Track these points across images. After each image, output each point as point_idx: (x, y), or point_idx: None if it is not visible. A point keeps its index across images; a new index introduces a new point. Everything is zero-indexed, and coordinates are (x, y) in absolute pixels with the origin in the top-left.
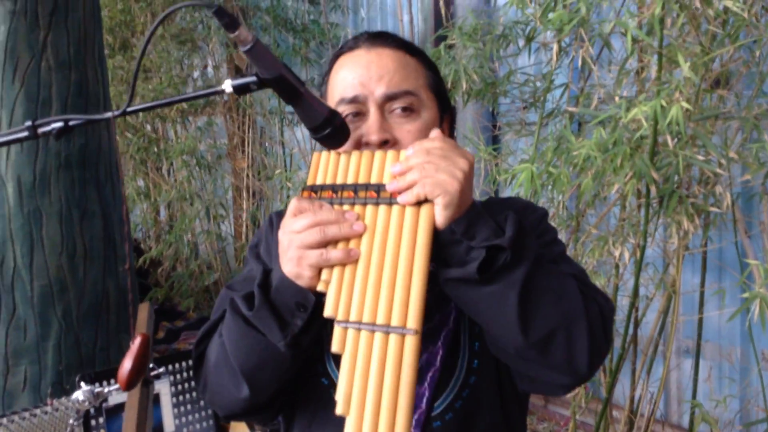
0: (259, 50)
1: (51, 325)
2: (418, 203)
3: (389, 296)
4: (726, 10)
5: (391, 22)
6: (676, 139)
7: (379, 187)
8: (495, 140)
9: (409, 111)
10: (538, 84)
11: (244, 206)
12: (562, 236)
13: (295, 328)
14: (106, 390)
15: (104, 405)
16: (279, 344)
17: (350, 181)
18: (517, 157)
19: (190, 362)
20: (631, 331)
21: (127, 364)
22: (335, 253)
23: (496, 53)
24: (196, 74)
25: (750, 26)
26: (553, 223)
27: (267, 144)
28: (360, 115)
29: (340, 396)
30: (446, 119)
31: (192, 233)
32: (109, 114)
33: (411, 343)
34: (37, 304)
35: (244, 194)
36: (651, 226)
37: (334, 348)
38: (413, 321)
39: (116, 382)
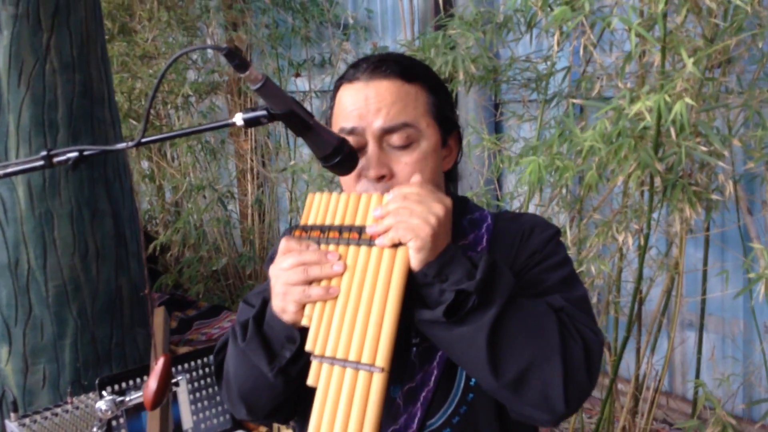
0: (270, 88)
1: (67, 324)
2: (395, 246)
3: (362, 334)
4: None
5: (391, 2)
6: (679, 130)
7: (361, 229)
8: (497, 127)
9: (407, 143)
10: (540, 68)
11: (249, 189)
12: (564, 218)
13: (282, 360)
14: (127, 399)
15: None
16: (268, 374)
17: (338, 222)
18: (520, 144)
19: (206, 359)
20: (635, 310)
21: (152, 385)
22: (316, 290)
23: (496, 41)
24: (195, 57)
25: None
26: (555, 207)
27: (270, 126)
28: (360, 146)
29: (311, 427)
30: (451, 139)
31: (200, 220)
32: (123, 145)
33: (378, 380)
34: (52, 304)
35: (249, 177)
36: (654, 211)
37: (310, 381)
38: (382, 359)
39: (136, 386)
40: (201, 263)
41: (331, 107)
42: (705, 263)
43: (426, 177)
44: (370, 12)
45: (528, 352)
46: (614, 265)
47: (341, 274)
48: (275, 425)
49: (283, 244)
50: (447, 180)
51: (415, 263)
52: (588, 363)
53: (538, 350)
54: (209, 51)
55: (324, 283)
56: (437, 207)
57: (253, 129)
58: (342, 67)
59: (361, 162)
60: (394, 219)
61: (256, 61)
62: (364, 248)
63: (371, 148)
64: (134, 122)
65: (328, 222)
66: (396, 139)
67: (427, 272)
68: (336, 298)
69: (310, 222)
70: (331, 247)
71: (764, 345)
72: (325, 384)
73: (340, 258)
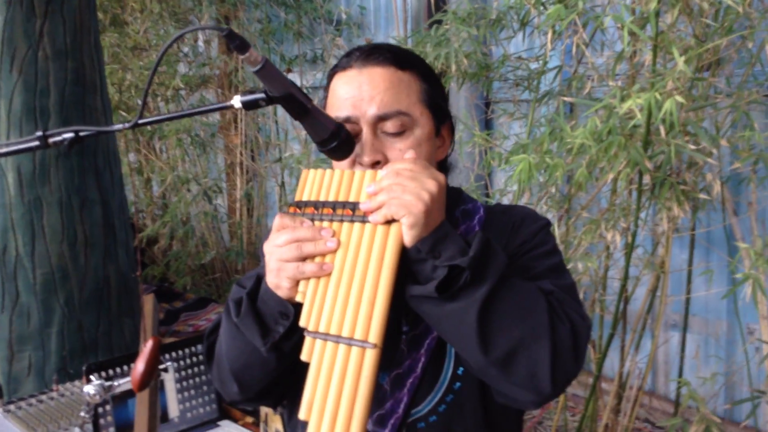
0: (269, 70)
1: (54, 312)
2: (388, 222)
3: (355, 310)
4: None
5: (384, 0)
6: (668, 128)
7: (354, 205)
8: (488, 124)
9: (401, 130)
10: (532, 66)
11: (238, 183)
12: (553, 217)
13: (276, 335)
14: (116, 384)
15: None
16: (261, 349)
17: (331, 198)
18: (510, 141)
19: (194, 348)
20: (620, 309)
21: (140, 367)
22: (310, 266)
23: (489, 37)
24: (186, 49)
25: (743, 16)
26: (544, 205)
27: (260, 120)
28: (355, 133)
29: (304, 401)
30: (444, 129)
31: (186, 214)
32: (119, 126)
33: (370, 356)
34: (39, 292)
35: (238, 170)
36: (641, 209)
37: (303, 356)
38: (374, 336)
39: (123, 374)
40: (188, 257)
41: (325, 97)
42: (690, 263)
43: None
44: (363, 9)
45: (517, 330)
46: (601, 263)
47: (335, 251)
48: (263, 412)
49: (277, 220)
50: (439, 170)
51: (408, 239)
52: (575, 346)
53: (528, 330)
54: (201, 44)
55: (318, 259)
56: (430, 183)
57: (243, 124)
58: (334, 63)
59: (356, 149)
60: (387, 195)
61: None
62: (357, 225)
63: (366, 135)
64: (124, 114)
65: (322, 198)
66: (390, 126)
67: (420, 248)
68: (330, 274)
69: (304, 198)
70: (325, 223)
71: (747, 346)
72: (318, 359)
73: (333, 234)
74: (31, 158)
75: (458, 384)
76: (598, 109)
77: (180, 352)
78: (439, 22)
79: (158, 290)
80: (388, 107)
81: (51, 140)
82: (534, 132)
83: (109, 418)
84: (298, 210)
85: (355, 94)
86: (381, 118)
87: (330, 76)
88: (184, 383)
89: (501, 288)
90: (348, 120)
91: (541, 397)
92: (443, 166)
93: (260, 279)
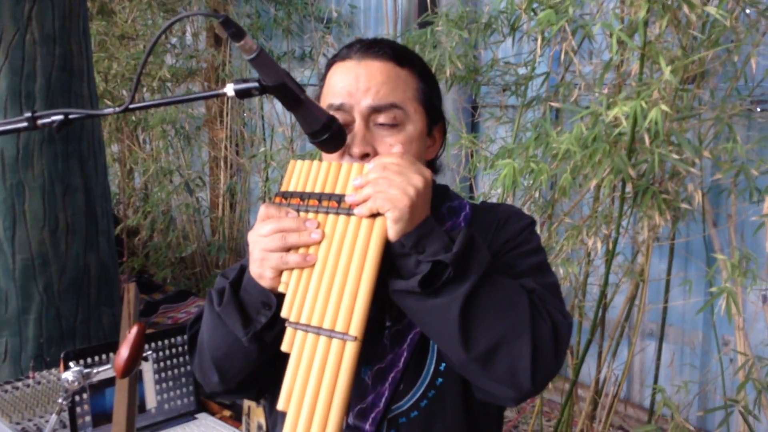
0: (263, 59)
1: (32, 298)
2: (373, 216)
3: (337, 302)
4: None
5: (375, 0)
6: (653, 137)
7: (340, 198)
8: (474, 127)
9: (393, 124)
10: (521, 71)
11: (222, 178)
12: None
13: (258, 325)
14: (95, 371)
15: (88, 381)
16: (243, 339)
17: (317, 190)
18: (496, 144)
19: (173, 340)
20: (599, 315)
21: (124, 353)
22: (293, 257)
23: (480, 41)
24: (174, 40)
25: (729, 30)
26: (527, 210)
27: (246, 115)
28: (347, 123)
29: (283, 392)
30: (437, 130)
31: (167, 205)
32: (110, 110)
33: (350, 349)
34: (18, 278)
35: (222, 165)
36: (623, 217)
37: (284, 347)
38: (355, 329)
39: (101, 362)
40: (169, 249)
41: (321, 86)
42: (669, 272)
43: None
44: (353, 8)
45: (499, 327)
46: (581, 270)
47: (319, 242)
48: (246, 405)
49: (263, 210)
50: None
51: (393, 234)
52: (556, 344)
53: (509, 326)
54: (188, 37)
55: (302, 250)
56: (416, 178)
57: (229, 118)
58: (322, 62)
59: (347, 139)
60: (372, 189)
61: (234, 49)
62: (342, 217)
63: (357, 126)
64: (109, 103)
65: (308, 189)
66: (383, 118)
67: (404, 243)
68: (313, 266)
69: (291, 189)
70: (310, 214)
71: (721, 356)
72: (298, 350)
73: (318, 226)
74: (15, 142)
75: (440, 380)
76: (584, 115)
77: (159, 343)
78: (429, 23)
79: (138, 281)
80: (383, 99)
81: (40, 122)
82: (520, 137)
83: (86, 407)
84: (283, 200)
85: (351, 83)
86: (375, 110)
87: (328, 66)
88: (163, 374)
89: (484, 285)
90: (341, 107)
91: (520, 394)
92: (432, 167)
93: (244, 269)
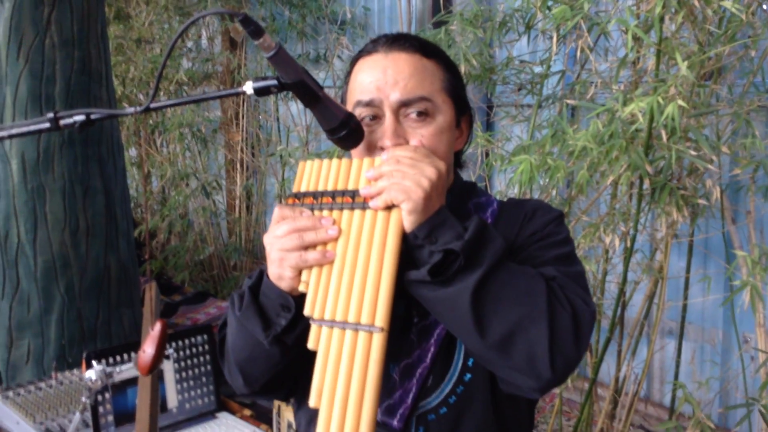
0: (282, 56)
1: (54, 300)
2: (389, 208)
3: (360, 296)
4: (724, 8)
5: (389, 1)
6: (670, 133)
7: (354, 193)
8: (489, 127)
9: (423, 116)
10: (536, 70)
11: (238, 180)
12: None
13: (278, 328)
14: (118, 370)
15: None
16: (264, 342)
17: (330, 187)
18: (512, 143)
19: (193, 340)
20: (618, 313)
21: (149, 350)
22: (312, 254)
23: (494, 39)
24: (189, 44)
25: (746, 25)
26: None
27: (261, 118)
28: (376, 118)
29: (313, 390)
30: (464, 120)
31: (185, 208)
32: (131, 110)
33: (378, 340)
34: (40, 279)
35: (238, 167)
36: (641, 214)
37: (310, 345)
38: (381, 319)
39: (122, 362)
40: (187, 252)
41: (347, 82)
42: (688, 270)
43: (441, 152)
44: (367, 10)
45: (514, 314)
46: (600, 268)
47: (336, 238)
48: (276, 403)
49: (277, 211)
50: (455, 162)
51: (407, 225)
52: (576, 331)
53: (525, 313)
54: (204, 40)
55: (320, 247)
56: (430, 170)
57: (244, 121)
58: (337, 64)
59: (377, 133)
60: (387, 181)
61: (249, 52)
62: (357, 212)
63: (388, 119)
64: (128, 107)
65: (320, 188)
66: (413, 111)
67: (417, 234)
68: (332, 261)
69: (303, 189)
70: (325, 212)
71: (742, 354)
72: (325, 347)
73: (334, 222)
74: (35, 145)
75: (468, 376)
76: (601, 112)
77: (179, 343)
78: (444, 22)
79: (157, 282)
80: (412, 93)
81: (62, 122)
82: (535, 135)
83: (108, 406)
84: (296, 201)
85: (379, 77)
86: (404, 103)
87: (353, 62)
88: (183, 374)
89: (497, 272)
90: (371, 104)
91: (541, 382)
92: (458, 159)
93: (263, 273)
